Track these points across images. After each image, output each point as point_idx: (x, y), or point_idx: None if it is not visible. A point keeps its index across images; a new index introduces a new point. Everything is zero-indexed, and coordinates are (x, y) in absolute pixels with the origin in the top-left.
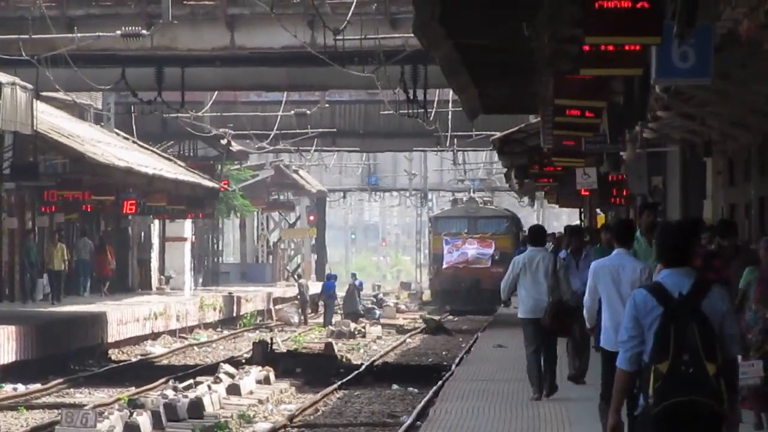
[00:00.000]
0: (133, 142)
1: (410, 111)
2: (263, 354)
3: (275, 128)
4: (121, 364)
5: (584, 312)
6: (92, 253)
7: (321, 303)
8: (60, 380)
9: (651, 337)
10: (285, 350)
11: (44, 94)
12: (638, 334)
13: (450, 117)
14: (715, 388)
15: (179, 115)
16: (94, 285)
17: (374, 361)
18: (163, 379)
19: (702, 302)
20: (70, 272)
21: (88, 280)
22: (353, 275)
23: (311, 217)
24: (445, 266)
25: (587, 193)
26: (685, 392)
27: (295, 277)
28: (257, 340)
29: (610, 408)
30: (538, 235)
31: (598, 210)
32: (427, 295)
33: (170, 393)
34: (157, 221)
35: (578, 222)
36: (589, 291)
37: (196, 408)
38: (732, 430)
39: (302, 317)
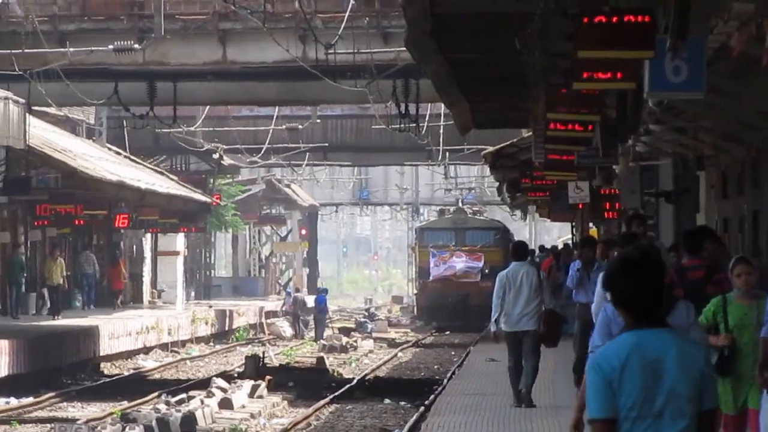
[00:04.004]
0: (125, 156)
1: (402, 125)
2: (255, 368)
3: (267, 143)
4: (113, 378)
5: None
6: (95, 267)
7: (312, 317)
8: (52, 394)
9: None
10: (277, 364)
11: (36, 108)
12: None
13: (442, 131)
14: None
15: (171, 129)
16: (105, 299)
17: (366, 375)
18: (155, 393)
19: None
20: (69, 287)
21: (93, 294)
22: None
23: (303, 231)
24: (431, 280)
25: (580, 207)
26: None
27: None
28: (249, 354)
29: (575, 406)
30: (520, 250)
31: (590, 224)
32: None
33: (163, 407)
34: (149, 235)
35: (570, 237)
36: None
37: (189, 422)
38: None
39: (295, 330)
